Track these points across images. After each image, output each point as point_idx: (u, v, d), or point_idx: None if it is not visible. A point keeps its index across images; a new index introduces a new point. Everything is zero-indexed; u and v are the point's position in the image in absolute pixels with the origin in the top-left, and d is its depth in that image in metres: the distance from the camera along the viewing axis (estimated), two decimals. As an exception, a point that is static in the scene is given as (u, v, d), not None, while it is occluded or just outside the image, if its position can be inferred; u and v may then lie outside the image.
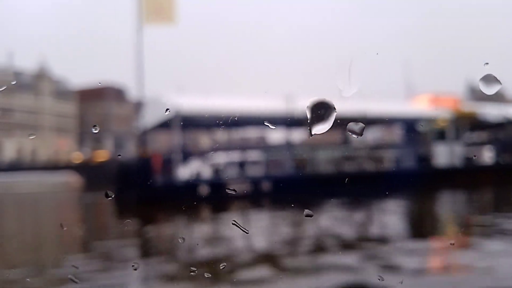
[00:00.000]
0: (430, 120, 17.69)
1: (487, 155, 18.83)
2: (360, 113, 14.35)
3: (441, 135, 17.66)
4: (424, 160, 17.48)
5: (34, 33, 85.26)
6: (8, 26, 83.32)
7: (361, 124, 1.12)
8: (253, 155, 15.81)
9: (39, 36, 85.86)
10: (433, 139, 17.64)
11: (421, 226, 7.40)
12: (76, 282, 1.55)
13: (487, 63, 1.04)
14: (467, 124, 18.63)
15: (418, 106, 18.78)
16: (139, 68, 15.75)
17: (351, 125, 1.12)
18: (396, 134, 20.10)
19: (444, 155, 17.24)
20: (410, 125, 18.37)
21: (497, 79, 1.00)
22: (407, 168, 16.84)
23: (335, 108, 1.05)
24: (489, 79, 1.01)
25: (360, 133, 1.12)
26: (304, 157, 15.99)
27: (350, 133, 1.13)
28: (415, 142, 18.18)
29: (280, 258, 5.20)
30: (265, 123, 1.47)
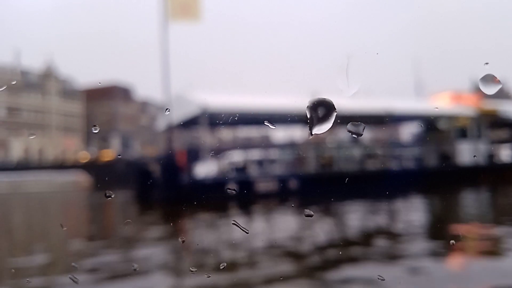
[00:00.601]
0: (451, 118, 17.54)
1: (508, 153, 18.58)
2: (383, 111, 14.26)
3: (462, 133, 17.52)
4: (446, 158, 17.31)
5: (43, 32, 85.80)
6: (20, 25, 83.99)
7: (361, 124, 1.11)
8: (276, 153, 15.72)
9: (53, 35, 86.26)
10: (454, 137, 17.50)
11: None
12: (76, 282, 1.56)
13: (487, 63, 1.03)
14: (488, 121, 18.40)
15: (439, 104, 18.70)
16: (164, 65, 15.59)
17: (350, 125, 1.11)
18: (417, 132, 19.99)
19: (466, 153, 17.06)
20: (431, 123, 18.22)
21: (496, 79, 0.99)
22: (429, 166, 16.71)
23: (335, 107, 1.04)
24: (488, 79, 1.00)
25: (359, 133, 1.11)
26: (328, 155, 15.84)
27: (350, 133, 1.11)
28: (436, 140, 17.99)
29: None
30: (265, 123, 1.45)
